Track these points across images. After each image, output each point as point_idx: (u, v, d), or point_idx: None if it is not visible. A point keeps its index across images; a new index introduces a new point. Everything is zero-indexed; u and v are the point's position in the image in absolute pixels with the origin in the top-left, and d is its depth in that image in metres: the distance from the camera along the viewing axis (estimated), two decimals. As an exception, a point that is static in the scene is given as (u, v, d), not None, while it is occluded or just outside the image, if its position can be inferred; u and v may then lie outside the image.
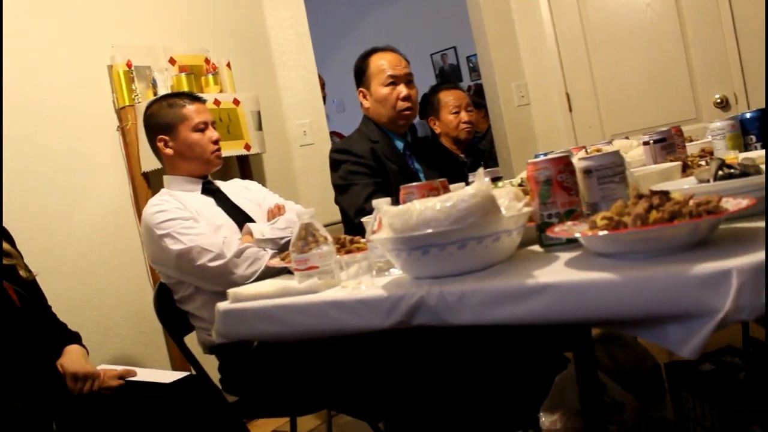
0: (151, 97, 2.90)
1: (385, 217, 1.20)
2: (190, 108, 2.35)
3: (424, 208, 1.14)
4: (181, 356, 2.65)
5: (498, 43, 4.15)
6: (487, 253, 1.16)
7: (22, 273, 1.99)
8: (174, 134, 2.34)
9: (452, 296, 1.11)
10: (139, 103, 2.91)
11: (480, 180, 1.15)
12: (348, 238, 1.56)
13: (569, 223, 1.19)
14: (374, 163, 2.57)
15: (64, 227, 2.76)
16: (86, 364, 1.93)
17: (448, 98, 3.56)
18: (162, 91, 2.98)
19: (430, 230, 1.13)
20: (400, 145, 2.71)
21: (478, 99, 4.38)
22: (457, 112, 3.53)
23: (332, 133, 4.11)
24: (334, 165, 2.62)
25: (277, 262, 1.63)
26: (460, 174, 2.59)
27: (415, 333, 1.23)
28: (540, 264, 1.14)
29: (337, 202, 2.63)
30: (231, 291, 1.48)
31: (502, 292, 1.07)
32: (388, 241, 1.19)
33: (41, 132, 2.74)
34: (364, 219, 1.61)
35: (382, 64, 2.68)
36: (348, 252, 1.48)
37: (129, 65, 2.98)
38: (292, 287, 1.35)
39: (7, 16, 2.66)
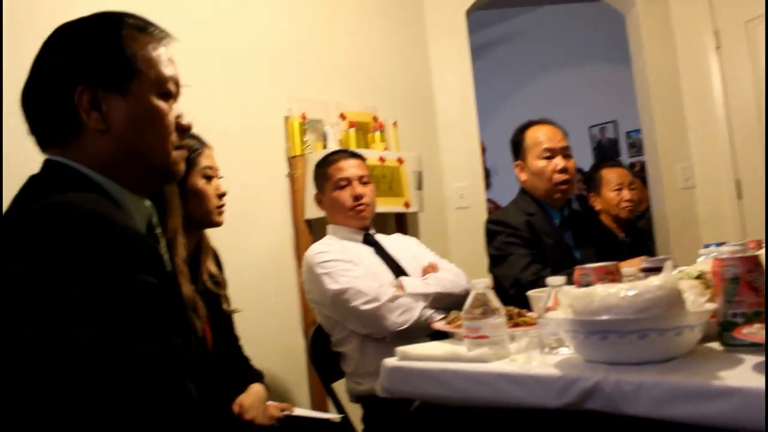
0: (321, 149, 3.06)
1: (565, 297, 1.21)
2: (335, 166, 2.49)
3: (607, 294, 1.15)
4: (321, 400, 2.74)
5: (665, 121, 4.03)
6: (668, 345, 1.15)
7: (224, 306, 2.09)
8: (323, 191, 2.53)
9: (630, 385, 1.11)
10: (309, 153, 3.07)
11: (668, 272, 1.15)
12: (516, 310, 1.57)
13: (757, 325, 1.16)
14: (529, 235, 2.54)
15: (227, 263, 2.90)
16: (263, 413, 1.95)
17: (611, 175, 3.51)
18: (331, 143, 3.14)
19: (611, 316, 1.13)
20: (556, 219, 2.67)
21: (645, 176, 4.28)
22: (619, 190, 3.47)
23: (488, 200, 4.13)
24: (490, 236, 2.62)
25: (442, 326, 1.66)
26: (617, 253, 2.54)
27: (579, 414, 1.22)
28: (725, 364, 1.11)
29: (491, 272, 2.61)
30: (399, 349, 1.52)
31: (686, 389, 1.05)
32: (567, 322, 1.20)
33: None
34: (531, 293, 1.62)
35: (538, 136, 2.68)
36: (515, 325, 1.49)
37: (303, 117, 3.15)
38: (462, 353, 1.38)
39: (204, 66, 2.90)
